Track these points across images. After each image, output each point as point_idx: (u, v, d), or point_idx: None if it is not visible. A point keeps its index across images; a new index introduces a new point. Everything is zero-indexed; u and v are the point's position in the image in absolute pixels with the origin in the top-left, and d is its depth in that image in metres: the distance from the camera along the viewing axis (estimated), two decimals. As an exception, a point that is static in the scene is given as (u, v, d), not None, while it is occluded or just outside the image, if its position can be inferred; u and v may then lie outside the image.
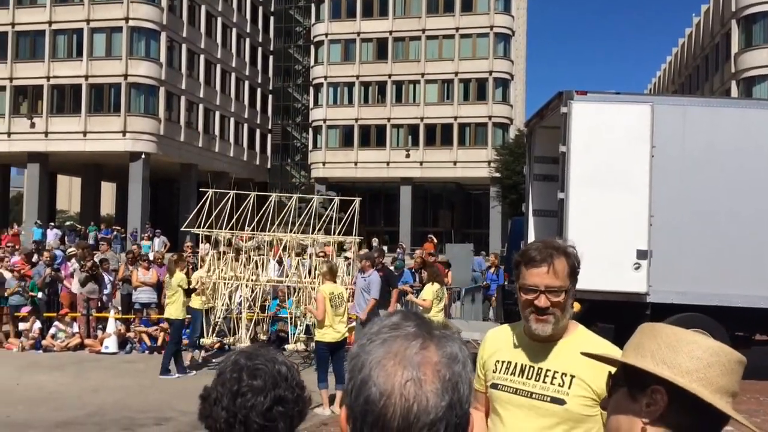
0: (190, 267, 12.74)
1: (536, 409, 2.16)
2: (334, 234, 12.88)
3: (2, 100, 41.77)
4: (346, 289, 10.23)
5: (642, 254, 9.02)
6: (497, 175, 41.60)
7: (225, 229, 12.46)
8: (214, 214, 12.26)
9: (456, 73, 48.90)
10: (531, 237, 10.47)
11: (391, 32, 50.12)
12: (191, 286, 10.99)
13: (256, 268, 12.38)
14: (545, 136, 10.68)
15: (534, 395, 2.17)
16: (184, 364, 10.78)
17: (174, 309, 10.68)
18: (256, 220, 12.44)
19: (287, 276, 12.58)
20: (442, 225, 49.78)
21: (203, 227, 12.28)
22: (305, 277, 12.04)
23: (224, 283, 11.63)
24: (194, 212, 12.79)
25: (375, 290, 10.29)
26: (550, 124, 10.25)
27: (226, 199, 12.60)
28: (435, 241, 25.40)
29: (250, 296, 12.10)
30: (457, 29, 49.00)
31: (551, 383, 2.15)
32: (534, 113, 11.31)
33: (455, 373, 0.92)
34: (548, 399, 2.15)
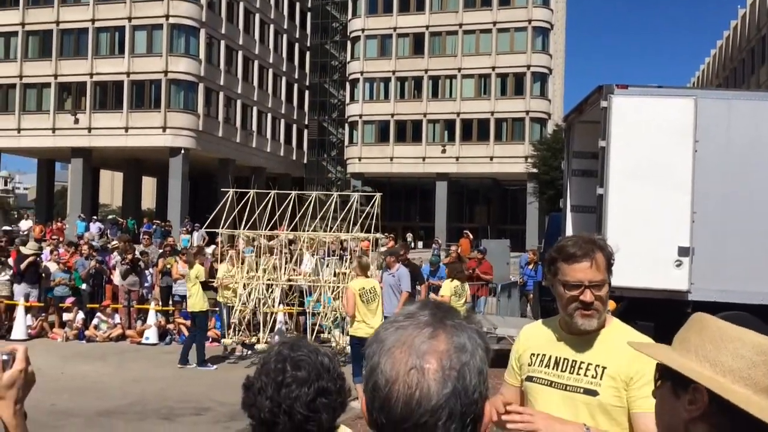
0: (212, 261, 12.91)
1: (570, 400, 2.19)
2: (351, 230, 12.73)
3: (47, 97, 42.88)
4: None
5: (684, 251, 8.83)
6: (534, 170, 41.16)
7: (264, 227, 12.50)
8: (236, 211, 12.35)
9: (493, 68, 48.50)
10: (569, 233, 10.34)
11: (427, 27, 49.93)
12: (209, 280, 11.16)
13: (293, 263, 12.47)
14: (584, 131, 10.52)
15: (568, 387, 2.20)
16: (204, 357, 10.91)
17: (194, 301, 10.87)
18: (287, 217, 12.47)
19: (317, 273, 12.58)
20: (478, 221, 49.50)
21: (241, 225, 12.37)
22: (330, 275, 12.03)
23: (245, 283, 11.56)
24: (216, 211, 12.79)
25: (406, 283, 10.13)
26: (589, 119, 10.09)
27: (267, 199, 12.70)
28: (471, 236, 25.30)
29: (288, 291, 12.24)
30: (494, 23, 48.57)
31: (585, 375, 2.18)
32: (573, 108, 11.15)
33: (461, 363, 0.94)
34: (581, 390, 2.17)
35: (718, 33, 64.19)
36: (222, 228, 12.47)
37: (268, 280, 11.78)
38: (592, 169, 9.93)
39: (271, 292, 11.89)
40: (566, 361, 2.22)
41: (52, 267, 14.27)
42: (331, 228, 12.73)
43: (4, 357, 1.48)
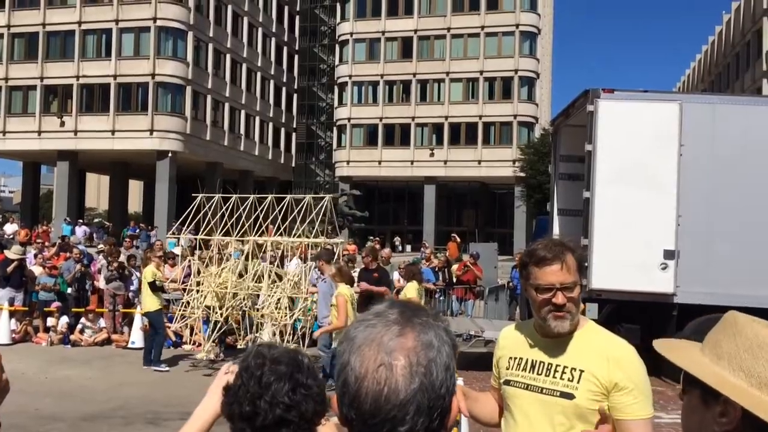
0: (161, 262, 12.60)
1: (546, 404, 2.19)
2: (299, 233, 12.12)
3: (33, 99, 42.56)
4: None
5: (669, 254, 8.89)
6: (522, 174, 41.35)
7: (253, 232, 12.15)
8: (217, 216, 12.01)
9: (481, 72, 48.68)
10: (556, 236, 10.38)
11: (416, 31, 50.06)
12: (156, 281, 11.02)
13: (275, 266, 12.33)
14: (571, 135, 10.58)
15: (544, 390, 2.20)
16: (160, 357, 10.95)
17: (146, 302, 11.00)
18: (255, 222, 12.00)
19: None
20: (466, 224, 49.58)
21: (218, 230, 12.08)
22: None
23: (234, 291, 11.07)
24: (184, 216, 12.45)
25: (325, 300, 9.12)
26: (576, 123, 10.15)
27: (246, 203, 12.39)
28: (459, 240, 25.30)
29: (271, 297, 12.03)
30: (482, 27, 48.76)
31: (561, 378, 2.18)
32: (560, 112, 11.22)
33: (428, 359, 0.96)
34: (558, 394, 2.17)
35: (704, 38, 64.80)
36: (201, 234, 12.26)
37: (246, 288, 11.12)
38: (578, 173, 9.99)
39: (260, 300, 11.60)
40: (542, 364, 2.22)
41: (37, 271, 14.14)
42: (290, 232, 12.16)
43: None
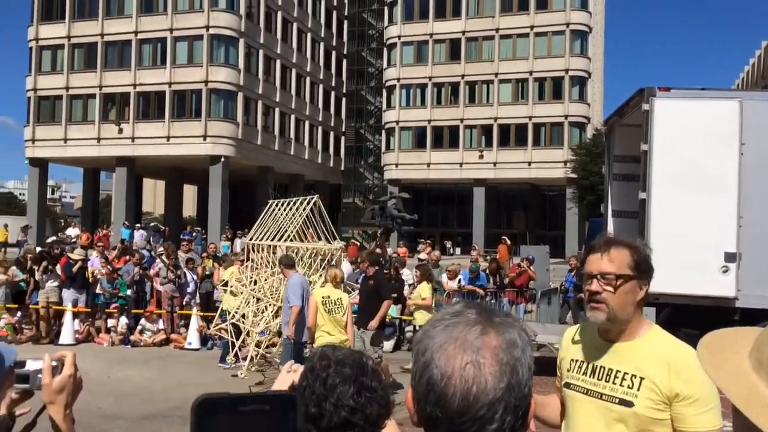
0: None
1: (605, 410, 2.16)
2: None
3: (92, 108, 44.06)
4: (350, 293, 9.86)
5: (730, 257, 8.62)
6: (574, 175, 40.67)
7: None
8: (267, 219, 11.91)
9: (531, 72, 48.13)
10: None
11: (464, 32, 49.84)
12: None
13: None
14: (626, 135, 10.36)
15: (604, 396, 2.17)
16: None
17: (227, 301, 11.41)
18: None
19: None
20: (516, 227, 49.07)
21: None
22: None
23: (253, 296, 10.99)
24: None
25: (293, 295, 8.91)
26: (630, 122, 9.94)
27: (270, 205, 11.97)
28: (509, 243, 25.05)
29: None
30: (531, 27, 48.23)
31: (620, 385, 2.15)
32: (613, 111, 11.00)
33: (514, 358, 0.97)
34: (617, 401, 2.14)
35: (763, 33, 62.51)
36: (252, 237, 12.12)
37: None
38: (633, 174, 9.77)
39: None
40: (602, 369, 2.19)
41: (98, 273, 14.63)
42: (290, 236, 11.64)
43: (54, 363, 1.54)
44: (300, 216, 11.67)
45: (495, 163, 48.60)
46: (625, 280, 2.13)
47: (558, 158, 46.52)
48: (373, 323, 9.00)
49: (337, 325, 8.02)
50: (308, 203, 11.84)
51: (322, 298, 8.05)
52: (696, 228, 8.72)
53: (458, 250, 46.95)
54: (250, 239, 11.80)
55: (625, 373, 2.14)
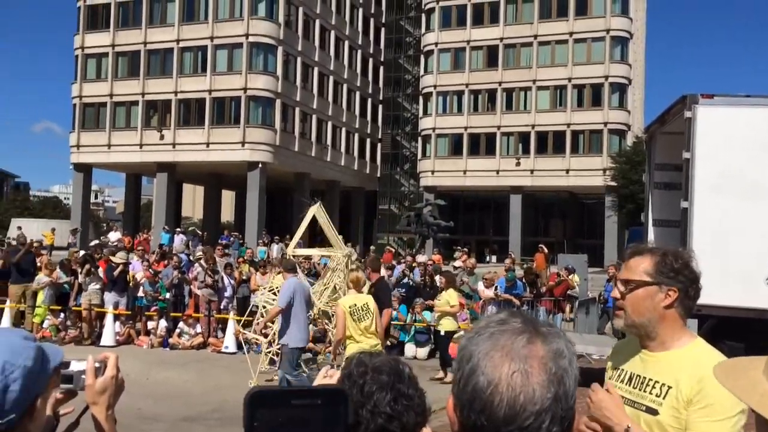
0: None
1: (635, 417, 2.13)
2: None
3: (135, 115, 45.07)
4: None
5: (776, 268, 8.37)
6: (613, 183, 40.08)
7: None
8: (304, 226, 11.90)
9: (569, 79, 47.64)
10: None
11: (501, 39, 49.61)
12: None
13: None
14: (667, 142, 10.17)
15: (635, 404, 2.16)
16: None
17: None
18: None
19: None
20: (554, 235, 48.52)
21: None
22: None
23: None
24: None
25: (281, 297, 9.00)
26: (672, 130, 9.75)
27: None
28: (546, 251, 24.77)
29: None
30: (570, 34, 47.76)
31: (649, 392, 2.13)
32: (655, 119, 10.81)
33: (561, 368, 0.96)
34: (644, 408, 2.13)
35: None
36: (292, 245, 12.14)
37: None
38: (675, 182, 9.58)
39: None
40: (638, 377, 2.20)
41: (139, 276, 14.93)
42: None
43: (97, 364, 1.58)
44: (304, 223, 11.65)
45: (532, 171, 48.16)
46: (637, 285, 2.14)
47: (597, 166, 45.89)
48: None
49: (365, 331, 7.72)
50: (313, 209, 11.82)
51: (349, 308, 7.71)
52: (739, 238, 8.51)
53: (494, 258, 46.62)
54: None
55: (655, 382, 2.13)
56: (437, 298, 11.75)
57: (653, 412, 2.09)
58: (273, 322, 10.29)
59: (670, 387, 2.08)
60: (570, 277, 15.86)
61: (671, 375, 2.09)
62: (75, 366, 1.56)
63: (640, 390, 2.16)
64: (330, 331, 10.70)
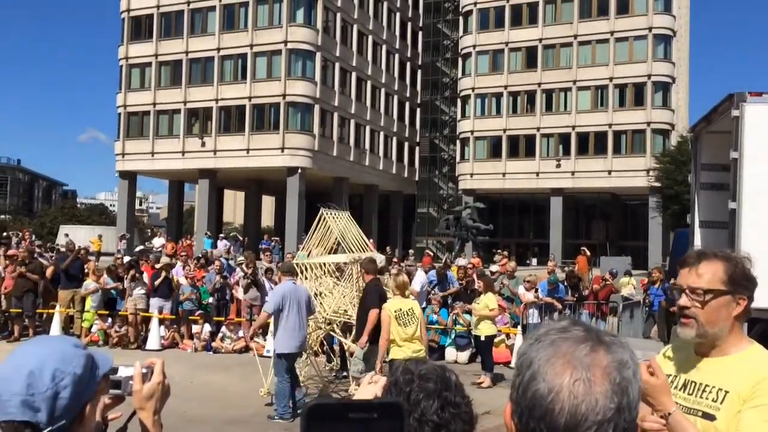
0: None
1: None
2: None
3: (177, 122, 45.97)
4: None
5: (830, 270, 8.07)
6: (657, 184, 39.21)
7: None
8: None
9: (611, 79, 46.88)
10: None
11: (540, 40, 49.11)
12: None
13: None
14: (714, 142, 9.91)
15: (690, 410, 2.10)
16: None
17: None
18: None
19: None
20: (596, 237, 47.74)
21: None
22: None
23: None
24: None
25: (269, 301, 8.97)
26: (719, 129, 9.50)
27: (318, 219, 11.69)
28: (588, 254, 24.42)
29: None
30: (611, 33, 47.02)
31: (705, 398, 2.08)
32: (700, 118, 10.55)
33: (625, 378, 0.94)
34: (700, 414, 2.07)
35: None
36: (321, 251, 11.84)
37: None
38: (723, 183, 9.33)
39: None
40: (693, 383, 2.14)
41: (183, 281, 15.19)
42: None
43: (144, 370, 1.60)
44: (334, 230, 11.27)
45: (573, 172, 47.51)
46: (714, 295, 2.05)
47: (640, 167, 45.02)
48: (362, 340, 8.62)
49: (407, 337, 7.68)
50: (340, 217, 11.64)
51: (395, 312, 7.71)
52: (792, 239, 8.23)
53: (534, 261, 46.10)
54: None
55: (712, 387, 2.08)
56: (475, 301, 11.66)
57: (710, 417, 2.05)
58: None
59: (727, 392, 2.03)
60: (614, 281, 15.59)
61: (729, 380, 2.04)
62: (123, 372, 1.59)
63: (696, 396, 2.11)
64: (345, 344, 10.41)
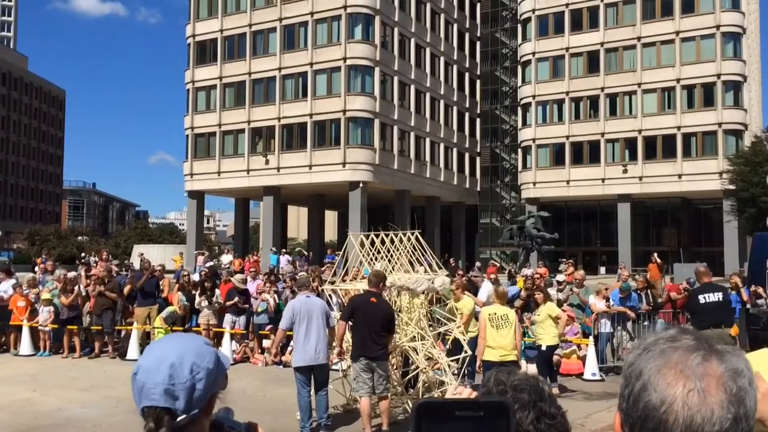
0: None
1: None
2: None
3: (242, 142, 47.15)
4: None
5: None
6: (731, 187, 37.71)
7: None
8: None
9: (678, 80, 45.48)
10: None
11: (602, 43, 48.17)
12: None
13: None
14: (794, 141, 9.48)
15: None
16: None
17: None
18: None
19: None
20: (667, 243, 46.22)
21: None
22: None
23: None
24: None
25: (282, 320, 8.91)
26: (799, 127, 9.08)
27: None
28: (659, 261, 23.62)
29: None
30: (677, 33, 45.67)
31: None
32: (778, 116, 10.10)
33: (741, 388, 0.91)
34: None
35: None
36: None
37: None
38: (806, 183, 8.90)
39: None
40: None
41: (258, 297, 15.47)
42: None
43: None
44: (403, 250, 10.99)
45: (641, 177, 46.19)
46: None
47: (712, 169, 43.41)
48: (334, 353, 8.83)
49: (500, 338, 8.66)
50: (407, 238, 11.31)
51: (489, 315, 8.81)
52: None
53: (603, 269, 44.95)
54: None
55: None
56: (535, 313, 11.51)
57: None
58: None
59: None
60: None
61: None
62: None
63: None
64: (422, 367, 9.81)
